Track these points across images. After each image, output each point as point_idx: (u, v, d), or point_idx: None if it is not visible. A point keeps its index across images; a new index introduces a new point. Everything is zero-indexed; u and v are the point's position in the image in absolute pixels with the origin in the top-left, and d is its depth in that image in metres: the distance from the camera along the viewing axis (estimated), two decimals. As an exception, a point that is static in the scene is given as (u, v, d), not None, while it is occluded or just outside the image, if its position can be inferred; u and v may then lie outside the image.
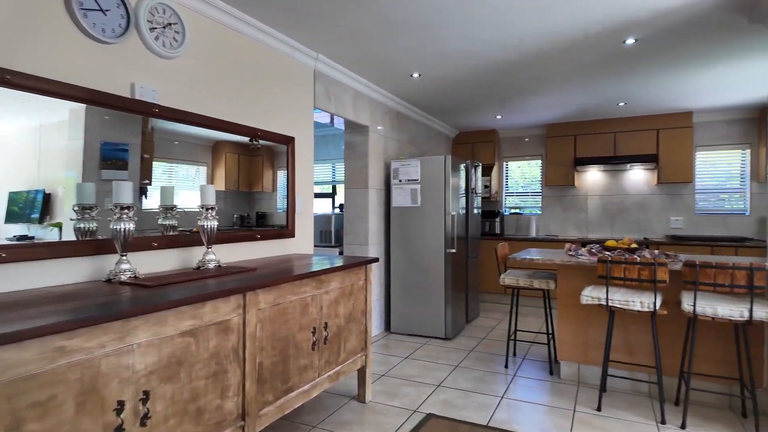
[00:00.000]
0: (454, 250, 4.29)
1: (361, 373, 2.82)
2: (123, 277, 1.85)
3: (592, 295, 2.72)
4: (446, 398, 2.88)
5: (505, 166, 6.54)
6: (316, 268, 2.36)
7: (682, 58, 3.45)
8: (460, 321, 4.54)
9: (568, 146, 5.77)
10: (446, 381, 3.18)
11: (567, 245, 3.44)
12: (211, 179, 2.56)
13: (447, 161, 4.22)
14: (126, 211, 1.86)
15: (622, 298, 2.61)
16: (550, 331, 4.23)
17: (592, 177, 5.94)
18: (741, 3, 2.55)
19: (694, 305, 2.41)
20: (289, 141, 3.09)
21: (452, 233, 4.28)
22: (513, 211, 6.49)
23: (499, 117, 5.55)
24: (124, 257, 1.89)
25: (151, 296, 1.58)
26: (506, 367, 3.47)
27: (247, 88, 2.78)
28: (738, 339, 2.57)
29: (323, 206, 6.70)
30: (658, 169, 5.31)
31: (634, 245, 3.15)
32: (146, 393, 1.47)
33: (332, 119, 4.85)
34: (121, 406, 1.40)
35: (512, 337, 4.18)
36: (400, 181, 4.38)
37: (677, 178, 5.21)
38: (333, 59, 3.48)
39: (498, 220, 6.13)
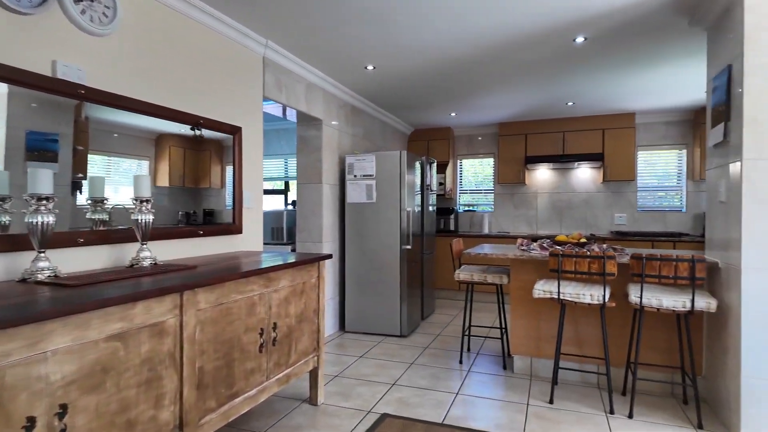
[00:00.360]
0: (409, 247, 4.25)
1: (314, 374, 2.71)
2: (40, 276, 1.64)
3: (544, 288, 2.74)
4: (401, 397, 2.82)
5: (459, 163, 6.59)
6: (264, 265, 2.22)
7: (627, 59, 3.57)
8: (416, 318, 4.51)
9: (519, 145, 5.89)
10: (401, 379, 3.12)
11: (519, 240, 3.48)
12: (154, 174, 2.37)
13: (402, 157, 4.17)
14: (44, 202, 1.65)
15: (573, 292, 2.65)
16: (503, 326, 4.28)
17: (542, 175, 6.10)
18: (682, 5, 2.65)
19: (641, 297, 2.48)
20: (235, 131, 2.91)
21: (407, 230, 4.24)
22: (467, 208, 6.55)
23: (453, 114, 5.57)
24: (42, 254, 1.68)
25: (72, 296, 1.40)
26: (461, 363, 3.46)
27: (189, 73, 2.59)
28: (680, 329, 2.67)
29: (275, 203, 6.48)
30: (604, 168, 5.52)
31: (583, 240, 3.23)
32: (64, 406, 1.30)
33: (284, 111, 4.68)
34: (31, 423, 1.22)
35: (466, 333, 4.20)
36: (355, 176, 4.29)
37: (621, 177, 5.44)
38: (284, 47, 3.33)
39: (452, 217, 6.17)
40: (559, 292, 2.67)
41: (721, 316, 2.50)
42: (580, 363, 3.10)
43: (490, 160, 6.43)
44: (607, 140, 5.51)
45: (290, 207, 5.85)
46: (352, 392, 2.89)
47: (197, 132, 2.65)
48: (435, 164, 5.14)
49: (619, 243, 5.18)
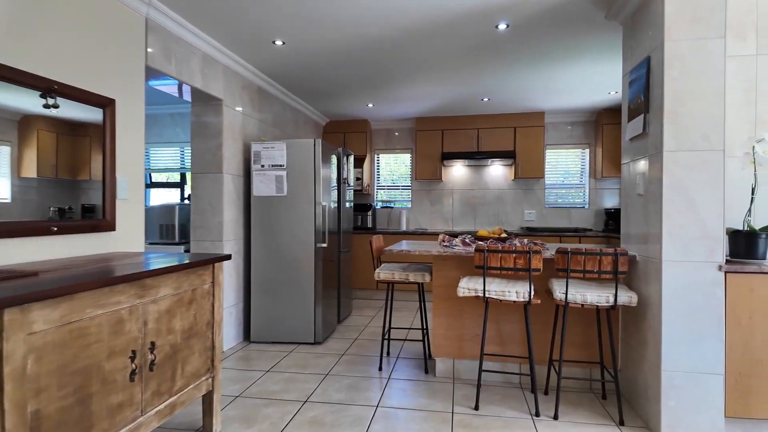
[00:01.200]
0: (325, 245, 3.89)
1: (208, 398, 2.25)
2: None
3: (468, 286, 2.56)
4: (315, 416, 2.47)
5: (376, 158, 6.36)
6: (140, 269, 1.74)
7: (544, 52, 3.56)
8: (332, 321, 4.16)
9: (435, 141, 5.80)
10: (315, 394, 2.76)
11: (441, 236, 3.30)
12: (17, 163, 1.78)
13: (317, 146, 3.80)
14: None
15: (497, 289, 2.50)
16: (425, 327, 4.10)
17: (458, 172, 6.08)
18: (603, -4, 2.62)
19: (566, 293, 2.39)
20: (107, 104, 2.35)
21: (323, 227, 3.88)
22: (384, 204, 6.34)
23: (371, 105, 5.31)
24: None
25: None
26: (380, 369, 3.19)
27: (43, 27, 1.99)
28: (599, 324, 2.64)
29: (170, 197, 5.73)
30: (515, 165, 5.62)
31: (504, 235, 3.12)
32: None
33: (180, 90, 4.06)
34: None
35: (386, 336, 3.95)
36: (263, 166, 3.83)
37: (531, 174, 5.57)
38: (173, 9, 2.79)
39: (370, 213, 5.91)
40: (484, 290, 2.50)
41: (640, 309, 2.50)
42: (503, 362, 2.98)
43: (408, 156, 6.28)
44: (518, 138, 5.62)
45: (187, 201, 5.18)
46: (258, 415, 2.47)
47: (50, 101, 2.06)
48: (352, 157, 4.83)
49: (530, 238, 5.29)
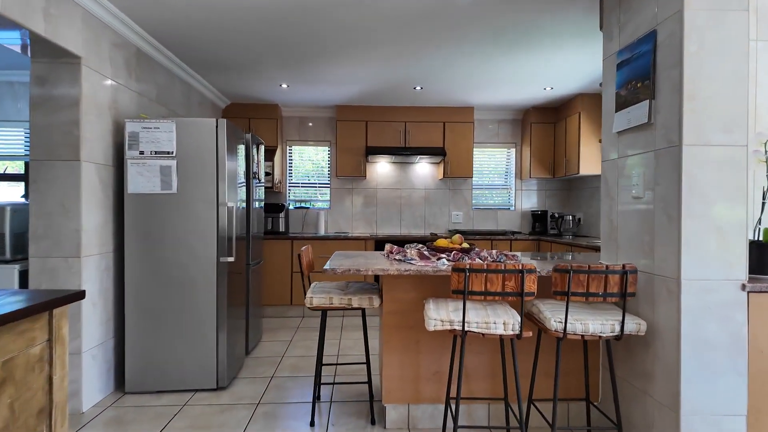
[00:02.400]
0: (231, 259, 3.00)
1: None
2: None
3: (440, 317, 1.94)
4: None
5: (289, 150, 5.49)
6: None
7: (500, 32, 3.08)
8: (239, 354, 3.27)
9: (359, 133, 5.13)
10: (225, 479, 1.92)
11: (388, 247, 2.64)
12: None
13: (222, 129, 2.90)
14: None
15: (480, 320, 1.91)
16: (369, 362, 3.42)
17: (383, 169, 5.48)
18: (593, -43, 2.17)
19: (565, 322, 1.88)
20: None
21: (229, 234, 2.99)
22: (299, 204, 5.50)
23: (285, 86, 4.46)
24: None
25: None
26: (312, 424, 2.43)
27: None
28: (586, 353, 2.19)
29: (10, 194, 4.29)
30: (444, 164, 5.18)
31: (465, 245, 2.56)
32: None
33: (26, 46, 2.84)
34: None
35: (319, 381, 3.18)
36: (143, 153, 2.82)
37: (460, 173, 5.18)
38: None
39: (282, 215, 5.04)
40: (464, 322, 1.90)
41: (641, 336, 2.09)
42: (467, 405, 2.42)
43: (326, 149, 5.51)
44: (447, 134, 5.18)
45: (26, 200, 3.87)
46: None
47: None
48: (263, 147, 3.95)
49: (496, 249, 4.88)
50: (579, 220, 5.06)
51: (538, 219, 5.37)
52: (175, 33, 3.12)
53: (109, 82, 2.79)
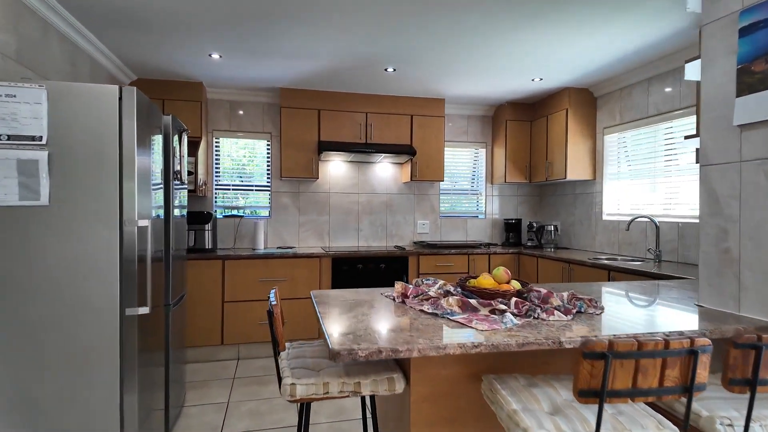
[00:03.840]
0: (146, 310, 1.92)
1: None
2: None
3: None
4: None
5: (215, 143, 4.34)
6: None
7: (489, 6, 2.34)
8: (156, 445, 2.18)
9: (309, 124, 4.15)
10: None
11: (400, 287, 1.78)
12: None
13: (128, 101, 1.82)
14: None
15: (614, 433, 1.12)
16: None
17: (337, 169, 4.54)
18: None
19: (747, 425, 1.15)
20: None
21: (141, 268, 1.90)
22: (229, 212, 4.37)
23: (216, 56, 3.36)
24: None
25: None
26: None
27: None
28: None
29: None
30: (412, 165, 4.38)
31: (515, 283, 1.77)
32: None
33: None
34: None
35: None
36: (-18, 137, 1.65)
37: (429, 176, 4.42)
38: None
39: (210, 227, 3.90)
40: (595, 444, 1.09)
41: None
42: None
43: (264, 143, 4.44)
44: (416, 130, 4.39)
45: None
46: None
47: None
48: (186, 137, 2.85)
49: (432, 258, 4.12)
50: (556, 229, 4.54)
51: (512, 228, 4.79)
52: (47, -53, 1.95)
53: None
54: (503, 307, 1.53)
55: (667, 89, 3.36)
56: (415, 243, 4.68)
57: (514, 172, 4.62)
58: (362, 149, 4.07)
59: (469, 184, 4.94)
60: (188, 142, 3.84)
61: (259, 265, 3.76)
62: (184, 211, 2.92)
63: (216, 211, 4.31)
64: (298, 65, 3.51)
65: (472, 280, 1.80)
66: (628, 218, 3.76)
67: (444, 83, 3.98)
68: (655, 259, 3.32)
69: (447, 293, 1.75)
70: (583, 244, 4.29)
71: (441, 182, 4.79)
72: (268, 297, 3.32)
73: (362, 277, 3.98)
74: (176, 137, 2.57)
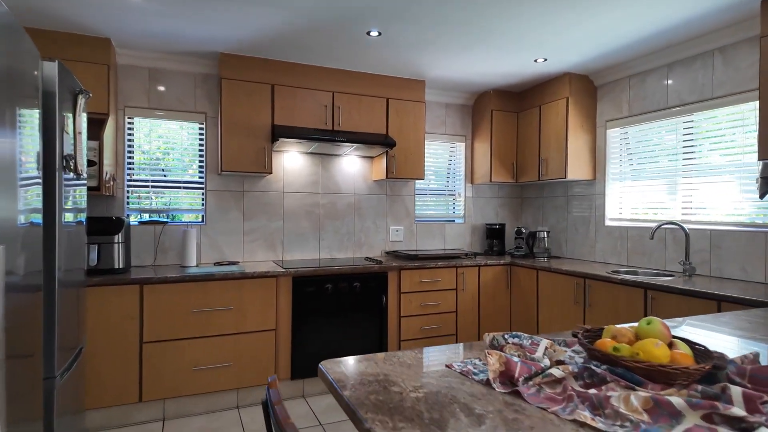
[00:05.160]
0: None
1: None
2: None
3: None
4: None
5: (128, 124, 3.23)
6: None
7: None
8: None
9: (261, 102, 3.20)
10: None
11: (496, 360, 0.99)
12: None
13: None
14: None
15: None
16: None
17: (293, 162, 3.63)
18: None
19: None
20: None
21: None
22: (147, 217, 3.28)
23: (133, -5, 2.33)
24: None
25: None
26: None
27: None
28: None
29: None
30: (388, 159, 3.60)
31: (685, 356, 1.05)
32: None
33: None
34: None
35: None
36: None
37: (407, 173, 3.66)
38: None
39: (120, 238, 2.81)
40: None
41: None
42: None
43: (197, 125, 3.41)
44: (392, 117, 3.62)
45: None
46: None
47: None
48: (85, 103, 1.83)
49: (416, 273, 3.37)
50: (548, 236, 4.01)
51: (495, 235, 4.18)
52: None
53: None
54: (739, 412, 0.81)
55: (697, 76, 2.92)
56: (387, 253, 3.91)
57: (501, 170, 4.02)
58: (329, 138, 3.21)
59: (444, 183, 4.26)
60: (89, 119, 2.72)
61: (193, 290, 2.76)
62: (83, 216, 1.90)
63: (129, 216, 3.20)
64: (253, 18, 2.57)
65: (610, 344, 1.06)
66: (634, 224, 3.30)
67: (427, 59, 3.25)
68: (684, 272, 2.85)
69: (585, 371, 1.00)
70: (580, 252, 3.79)
71: (418, 181, 4.06)
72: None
73: (333, 301, 3.12)
74: (72, 104, 1.57)
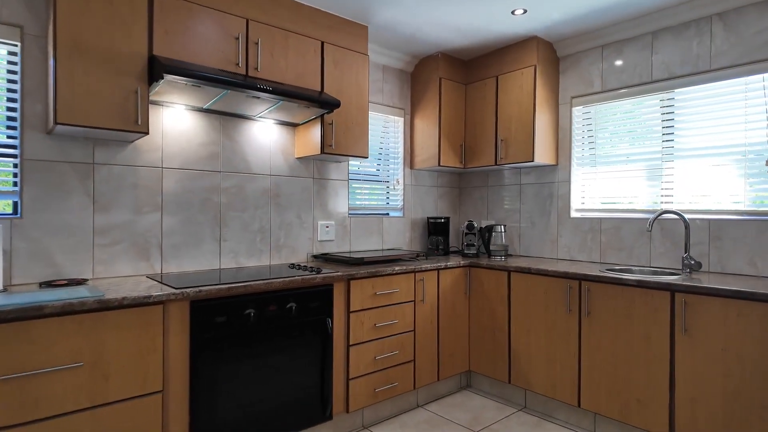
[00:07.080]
0: None
1: None
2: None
3: None
4: None
5: None
6: None
7: None
8: None
9: (132, 13, 1.94)
10: None
11: None
12: None
13: None
14: None
15: None
16: None
17: (180, 122, 2.39)
18: None
19: None
20: None
21: None
22: None
23: None
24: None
25: None
26: None
27: None
28: None
29: None
30: (324, 127, 2.60)
31: None
32: None
33: None
34: None
35: None
36: None
37: (349, 149, 2.72)
38: None
39: None
40: None
41: None
42: None
43: (7, 49, 1.97)
44: (329, 68, 2.63)
45: None
46: None
47: None
48: None
49: (368, 283, 2.46)
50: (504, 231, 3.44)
51: (438, 231, 3.47)
52: None
53: None
54: None
55: (690, 44, 2.56)
56: (315, 257, 2.90)
57: (450, 153, 3.32)
58: (244, 85, 2.10)
59: (376, 167, 3.40)
60: None
61: (6, 335, 1.44)
62: None
63: None
64: None
65: None
66: (610, 215, 2.88)
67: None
68: (684, 269, 2.47)
69: None
70: (539, 250, 3.28)
71: (355, 162, 3.13)
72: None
73: (257, 333, 2.03)
74: None
